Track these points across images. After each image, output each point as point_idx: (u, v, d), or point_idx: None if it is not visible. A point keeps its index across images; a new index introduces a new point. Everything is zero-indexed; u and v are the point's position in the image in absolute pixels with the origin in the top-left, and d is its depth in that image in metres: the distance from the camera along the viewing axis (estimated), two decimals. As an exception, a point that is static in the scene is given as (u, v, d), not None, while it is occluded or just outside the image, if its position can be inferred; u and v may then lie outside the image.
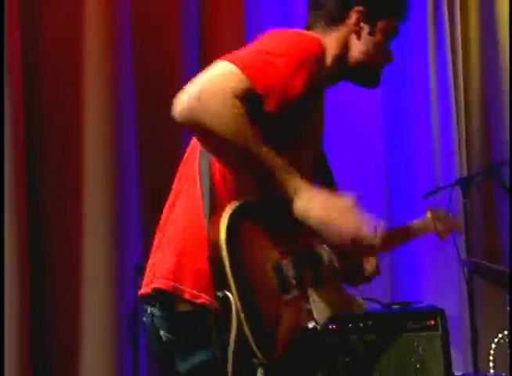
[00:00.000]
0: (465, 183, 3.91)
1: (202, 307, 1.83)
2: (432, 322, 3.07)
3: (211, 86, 1.75)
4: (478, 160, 4.58)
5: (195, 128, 1.79)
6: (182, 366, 1.90)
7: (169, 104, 1.78)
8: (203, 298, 1.84)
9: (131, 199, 3.86)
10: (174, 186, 2.04)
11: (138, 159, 3.92)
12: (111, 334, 3.68)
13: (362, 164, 4.31)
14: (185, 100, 1.74)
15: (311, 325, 1.90)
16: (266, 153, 1.80)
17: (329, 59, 2.00)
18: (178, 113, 1.75)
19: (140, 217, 3.85)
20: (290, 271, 1.87)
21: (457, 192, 3.95)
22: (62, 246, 3.75)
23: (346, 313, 2.09)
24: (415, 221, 2.50)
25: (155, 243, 2.01)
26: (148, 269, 1.99)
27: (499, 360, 3.18)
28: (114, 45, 3.84)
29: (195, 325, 1.86)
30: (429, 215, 2.51)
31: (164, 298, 1.89)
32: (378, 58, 2.09)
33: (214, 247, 1.76)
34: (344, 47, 2.05)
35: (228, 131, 1.76)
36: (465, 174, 4.41)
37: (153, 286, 1.92)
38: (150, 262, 1.99)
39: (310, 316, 1.91)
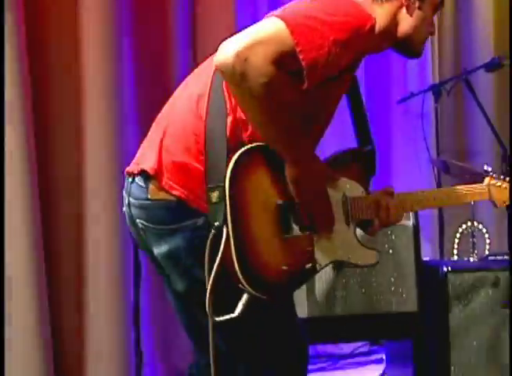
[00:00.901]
0: (436, 89, 4.10)
1: (177, 198, 1.91)
2: (404, 212, 3.23)
3: (258, 49, 1.73)
4: (449, 67, 4.66)
5: (230, 82, 1.80)
6: (157, 251, 1.99)
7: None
8: (179, 191, 1.91)
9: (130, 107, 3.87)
10: (183, 84, 2.08)
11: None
12: (114, 233, 3.75)
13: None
14: (230, 55, 1.73)
15: (308, 266, 1.95)
16: (287, 124, 1.83)
17: (376, 32, 1.93)
18: (220, 64, 1.76)
19: (138, 125, 3.86)
20: (295, 211, 1.92)
21: (429, 97, 4.18)
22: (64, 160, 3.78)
23: (353, 263, 2.08)
24: (468, 186, 2.34)
25: (151, 129, 2.07)
26: (139, 152, 2.06)
27: (462, 247, 3.42)
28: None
29: (169, 213, 1.93)
30: (487, 181, 2.37)
31: (144, 182, 1.96)
32: (425, 31, 2.07)
33: (222, 176, 1.83)
34: (393, 20, 2.00)
35: (261, 100, 1.77)
36: (437, 81, 4.52)
37: (140, 167, 1.98)
38: (142, 146, 2.07)
39: (311, 258, 1.95)
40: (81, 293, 3.77)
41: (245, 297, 1.85)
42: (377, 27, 1.93)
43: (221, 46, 1.77)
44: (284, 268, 1.89)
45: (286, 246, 1.91)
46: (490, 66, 3.92)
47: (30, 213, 3.55)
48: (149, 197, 1.96)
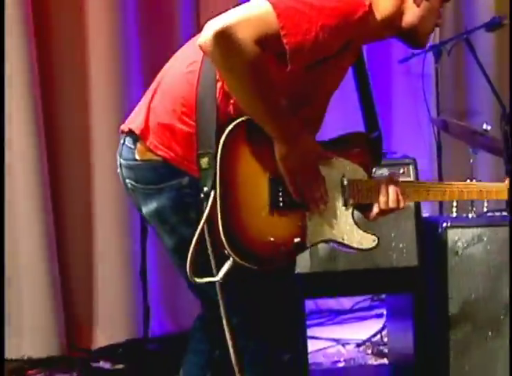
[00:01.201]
0: (437, 49, 4.14)
1: (162, 159, 1.94)
2: (405, 169, 3.11)
3: (242, 29, 1.71)
4: (450, 27, 4.67)
5: (214, 61, 1.80)
6: (145, 210, 2.03)
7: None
8: (163, 151, 1.94)
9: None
10: (180, 51, 2.09)
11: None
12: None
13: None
14: (214, 35, 1.72)
15: (297, 240, 1.94)
16: (274, 103, 1.82)
17: (378, 20, 1.93)
18: (204, 44, 1.75)
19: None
20: (286, 186, 1.93)
21: (430, 57, 4.22)
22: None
23: (347, 244, 2.04)
24: (486, 183, 2.29)
25: (147, 91, 2.08)
26: (133, 111, 2.09)
27: (461, 205, 3.48)
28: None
29: (155, 173, 1.96)
30: (508, 181, 2.24)
31: (133, 143, 2.00)
32: (431, 23, 2.04)
33: (212, 142, 1.86)
34: (398, 10, 1.97)
35: (244, 79, 1.77)
36: (437, 41, 4.49)
37: (128, 126, 2.02)
38: (137, 106, 2.08)
39: (301, 232, 1.95)
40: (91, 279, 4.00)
41: (229, 262, 1.88)
42: (380, 15, 1.93)
43: (206, 25, 1.75)
44: (271, 239, 1.90)
45: (274, 218, 1.92)
46: (490, 26, 3.92)
47: (43, 201, 3.77)
48: (136, 157, 1.99)
